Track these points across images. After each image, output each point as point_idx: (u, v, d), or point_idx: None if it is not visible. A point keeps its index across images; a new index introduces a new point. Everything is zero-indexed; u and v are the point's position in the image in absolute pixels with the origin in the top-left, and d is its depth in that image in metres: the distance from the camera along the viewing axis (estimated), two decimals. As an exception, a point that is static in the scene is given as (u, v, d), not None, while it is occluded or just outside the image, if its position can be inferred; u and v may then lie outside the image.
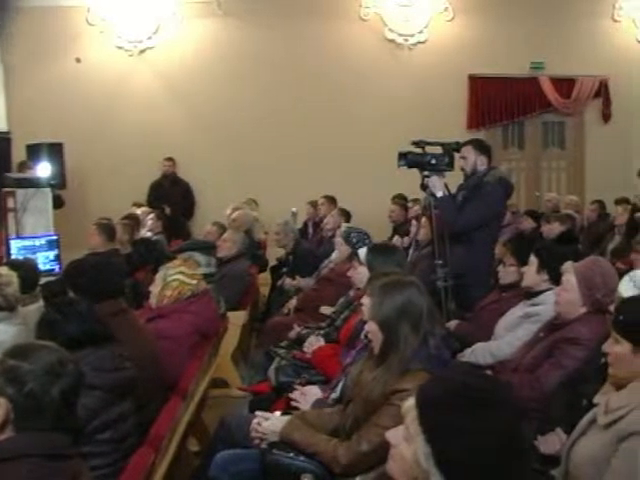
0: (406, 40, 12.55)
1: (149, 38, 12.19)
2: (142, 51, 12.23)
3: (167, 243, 9.32)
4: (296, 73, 12.10)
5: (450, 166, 5.97)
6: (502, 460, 1.76)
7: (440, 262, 5.75)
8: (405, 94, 12.21)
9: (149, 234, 9.10)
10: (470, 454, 1.74)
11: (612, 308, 3.18)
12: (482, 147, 6.24)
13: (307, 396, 3.98)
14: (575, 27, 12.72)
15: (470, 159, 6.08)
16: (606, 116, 13.07)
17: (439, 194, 5.90)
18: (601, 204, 10.73)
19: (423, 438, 1.79)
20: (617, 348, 2.78)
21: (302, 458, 3.23)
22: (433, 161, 5.90)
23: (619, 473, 2.59)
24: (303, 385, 4.27)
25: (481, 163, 6.09)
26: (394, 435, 1.92)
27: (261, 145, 11.97)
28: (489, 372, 4.30)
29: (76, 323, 3.28)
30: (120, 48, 12.16)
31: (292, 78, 12.09)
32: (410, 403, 1.87)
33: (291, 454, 3.25)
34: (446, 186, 6.03)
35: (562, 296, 4.00)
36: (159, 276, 4.77)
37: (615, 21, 13.03)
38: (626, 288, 3.36)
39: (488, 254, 6.02)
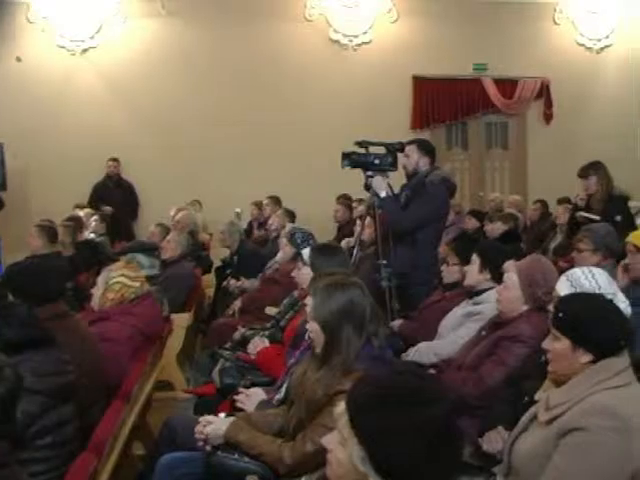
0: (351, 41, 12.60)
1: (91, 37, 12.03)
2: (85, 50, 12.07)
3: (111, 245, 9.22)
4: (241, 73, 12.07)
5: (393, 166, 6.00)
6: (436, 456, 1.77)
7: (384, 262, 5.78)
8: (349, 94, 12.25)
9: (92, 236, 8.99)
10: (404, 453, 1.75)
11: (551, 306, 3.21)
12: (426, 148, 6.29)
13: (251, 397, 3.96)
14: (517, 29, 12.91)
15: (413, 158, 6.13)
16: (548, 117, 13.30)
17: (382, 194, 5.93)
18: (543, 204, 10.87)
19: (357, 441, 1.80)
20: (556, 345, 2.81)
21: (247, 459, 3.20)
22: (376, 161, 5.93)
23: (559, 469, 2.62)
24: (247, 387, 4.26)
25: (423, 164, 6.14)
26: (329, 440, 1.92)
27: (205, 146, 11.89)
28: (433, 371, 4.35)
29: (16, 327, 3.22)
30: (62, 47, 11.99)
31: (236, 78, 12.05)
32: (342, 407, 1.87)
33: (236, 455, 3.22)
34: (389, 186, 6.06)
35: (504, 294, 4.04)
36: (101, 279, 4.72)
37: (556, 24, 13.27)
38: (563, 286, 3.40)
39: (431, 254, 6.07)
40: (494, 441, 3.31)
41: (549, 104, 13.24)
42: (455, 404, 1.87)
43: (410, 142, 6.29)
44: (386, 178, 5.98)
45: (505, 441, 3.09)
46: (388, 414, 1.76)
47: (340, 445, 1.86)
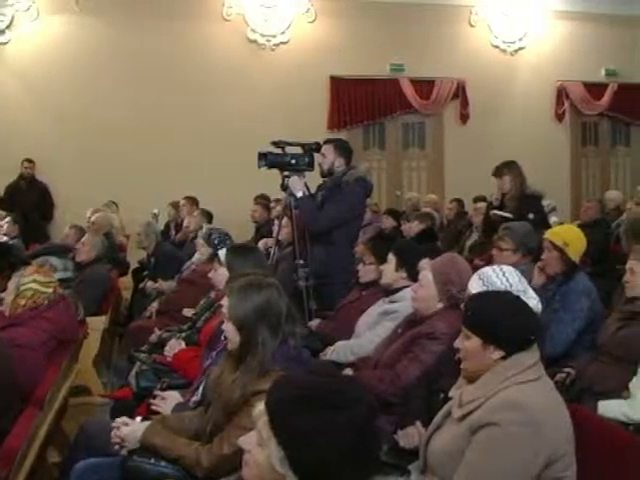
0: (268, 41, 12.57)
1: (3, 33, 11.72)
2: (-5, 46, 11.76)
3: (24, 247, 9.01)
4: (157, 72, 11.89)
5: (310, 166, 6.02)
6: (356, 457, 1.78)
7: (301, 262, 5.79)
8: (267, 94, 12.21)
9: (5, 238, 8.78)
10: (324, 455, 1.75)
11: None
12: (342, 148, 6.30)
13: (167, 400, 3.92)
14: (434, 31, 13.06)
15: (329, 158, 6.15)
16: (464, 117, 13.50)
17: (299, 194, 5.94)
18: (459, 202, 11.05)
19: (276, 442, 1.79)
20: (467, 343, 2.85)
21: (164, 463, 3.16)
22: (293, 161, 5.94)
23: (472, 464, 2.66)
24: (164, 389, 4.21)
25: (339, 164, 6.15)
26: (247, 441, 1.91)
27: (121, 146, 11.66)
28: (350, 370, 4.37)
29: None
30: (-29, 44, 11.66)
31: (152, 77, 11.88)
32: (261, 408, 1.86)
33: (152, 460, 3.18)
34: (306, 186, 6.08)
35: (419, 292, 4.09)
36: (12, 284, 4.59)
37: (472, 26, 13.48)
38: (475, 285, 3.46)
39: (348, 253, 6.10)
40: (411, 437, 3.34)
41: (465, 104, 13.44)
42: (373, 405, 1.87)
43: (326, 142, 6.31)
44: (303, 178, 6.00)
45: (422, 436, 3.12)
46: (308, 415, 1.77)
47: (258, 446, 1.86)
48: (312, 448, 1.75)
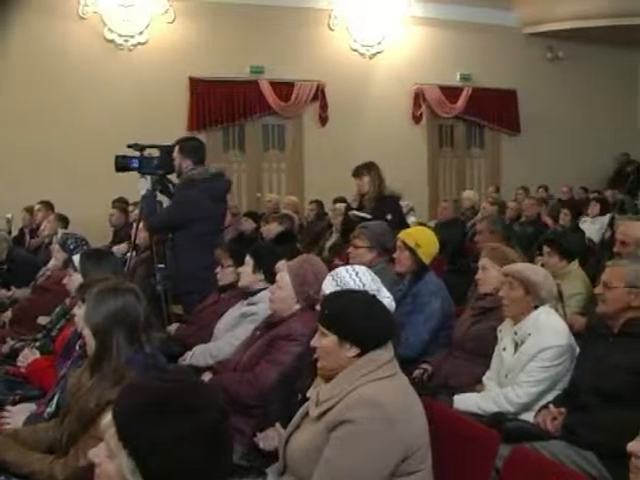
0: (126, 41, 12.27)
1: None
2: None
3: None
4: (10, 72, 11.39)
5: (159, 168, 5.97)
6: (210, 462, 1.76)
7: (159, 266, 5.73)
8: (126, 96, 11.91)
9: None
10: (176, 462, 1.72)
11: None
12: (187, 149, 6.18)
13: (17, 413, 3.78)
14: (294, 34, 13.09)
15: (176, 160, 6.07)
16: (323, 119, 13.58)
17: (142, 193, 5.90)
18: (319, 204, 11.15)
19: (125, 453, 1.75)
20: (324, 341, 2.88)
21: (16, 480, 3.06)
22: (146, 164, 5.88)
23: (330, 462, 2.69)
24: (17, 402, 4.07)
25: (186, 165, 6.06)
26: (97, 453, 1.86)
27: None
28: (209, 374, 4.35)
29: None
30: None
31: (5, 77, 11.40)
32: (109, 418, 1.82)
33: (2, 477, 3.06)
34: (168, 188, 6.03)
35: (276, 294, 4.11)
36: None
37: (331, 30, 13.59)
38: (329, 285, 3.50)
39: (207, 256, 6.00)
40: (270, 439, 3.35)
41: (324, 107, 13.53)
42: (225, 408, 1.85)
43: (174, 144, 6.23)
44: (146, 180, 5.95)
45: (282, 437, 3.13)
46: (157, 423, 1.73)
47: (108, 458, 1.81)
48: (163, 456, 1.72)
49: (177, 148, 6.11)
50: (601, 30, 14.29)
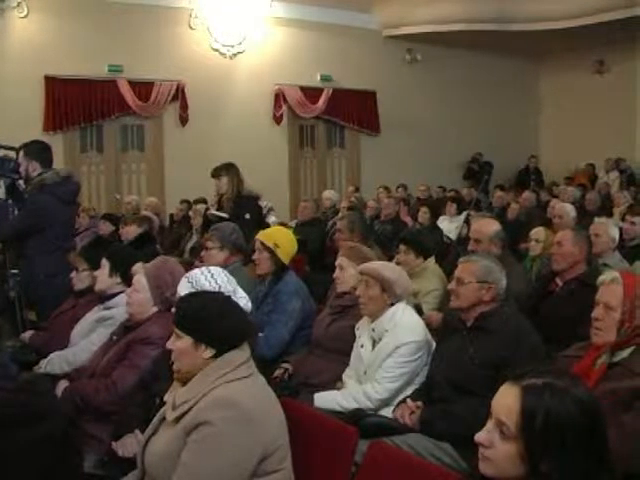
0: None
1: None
2: None
3: None
4: None
5: (15, 172, 5.78)
6: (59, 472, 1.72)
7: (12, 271, 5.55)
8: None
9: None
10: (23, 474, 1.68)
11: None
12: (32, 152, 6.01)
13: None
14: (153, 33, 12.90)
15: (23, 165, 5.88)
16: (183, 119, 13.46)
17: None
18: (189, 204, 11.01)
19: None
20: (179, 343, 2.87)
21: None
22: (5, 165, 5.69)
23: (188, 465, 2.68)
24: None
25: (33, 169, 5.90)
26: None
27: None
28: (66, 381, 4.23)
29: None
30: None
31: None
32: None
33: None
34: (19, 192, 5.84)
35: (133, 297, 4.07)
36: None
37: (192, 29, 13.46)
38: (184, 287, 3.49)
39: (60, 261, 5.82)
40: (129, 445, 3.31)
41: (185, 107, 13.40)
42: (70, 416, 1.81)
43: (19, 148, 6.03)
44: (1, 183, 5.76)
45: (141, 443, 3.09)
46: None
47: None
48: (9, 468, 1.67)
49: (22, 152, 5.91)
50: (456, 34, 14.83)
